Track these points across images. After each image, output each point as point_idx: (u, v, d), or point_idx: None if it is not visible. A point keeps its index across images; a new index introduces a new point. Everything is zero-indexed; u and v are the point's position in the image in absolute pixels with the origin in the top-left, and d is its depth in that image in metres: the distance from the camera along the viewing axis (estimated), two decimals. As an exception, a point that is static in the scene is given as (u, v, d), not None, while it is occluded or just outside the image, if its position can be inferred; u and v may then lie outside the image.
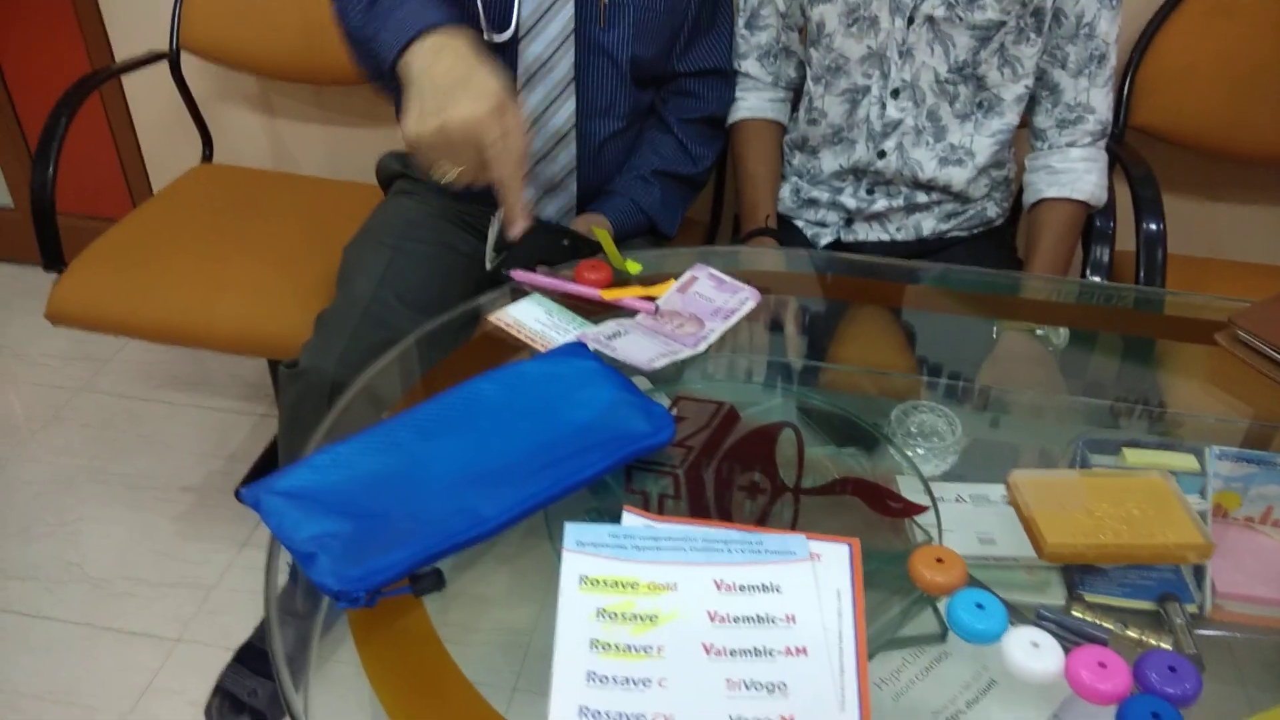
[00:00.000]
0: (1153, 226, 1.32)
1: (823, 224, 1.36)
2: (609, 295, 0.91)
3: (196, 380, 2.02)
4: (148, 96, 1.98)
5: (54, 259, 1.52)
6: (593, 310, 0.92)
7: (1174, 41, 1.50)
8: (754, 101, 1.35)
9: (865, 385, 0.97)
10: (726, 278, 0.94)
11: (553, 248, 1.21)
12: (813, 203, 1.36)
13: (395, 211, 1.40)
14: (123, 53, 1.96)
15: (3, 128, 2.16)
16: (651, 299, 0.91)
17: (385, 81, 1.08)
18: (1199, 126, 1.52)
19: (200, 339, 1.43)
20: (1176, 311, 1.10)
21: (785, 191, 1.39)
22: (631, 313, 0.91)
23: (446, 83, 0.92)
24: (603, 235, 1.03)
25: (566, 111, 1.28)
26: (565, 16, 1.24)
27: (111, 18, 1.93)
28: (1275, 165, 1.58)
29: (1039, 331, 0.96)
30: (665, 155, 1.36)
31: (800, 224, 1.39)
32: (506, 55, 1.26)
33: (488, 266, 1.22)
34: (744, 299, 0.92)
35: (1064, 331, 0.95)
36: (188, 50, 1.75)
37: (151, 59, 1.74)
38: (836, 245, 1.36)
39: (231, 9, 1.71)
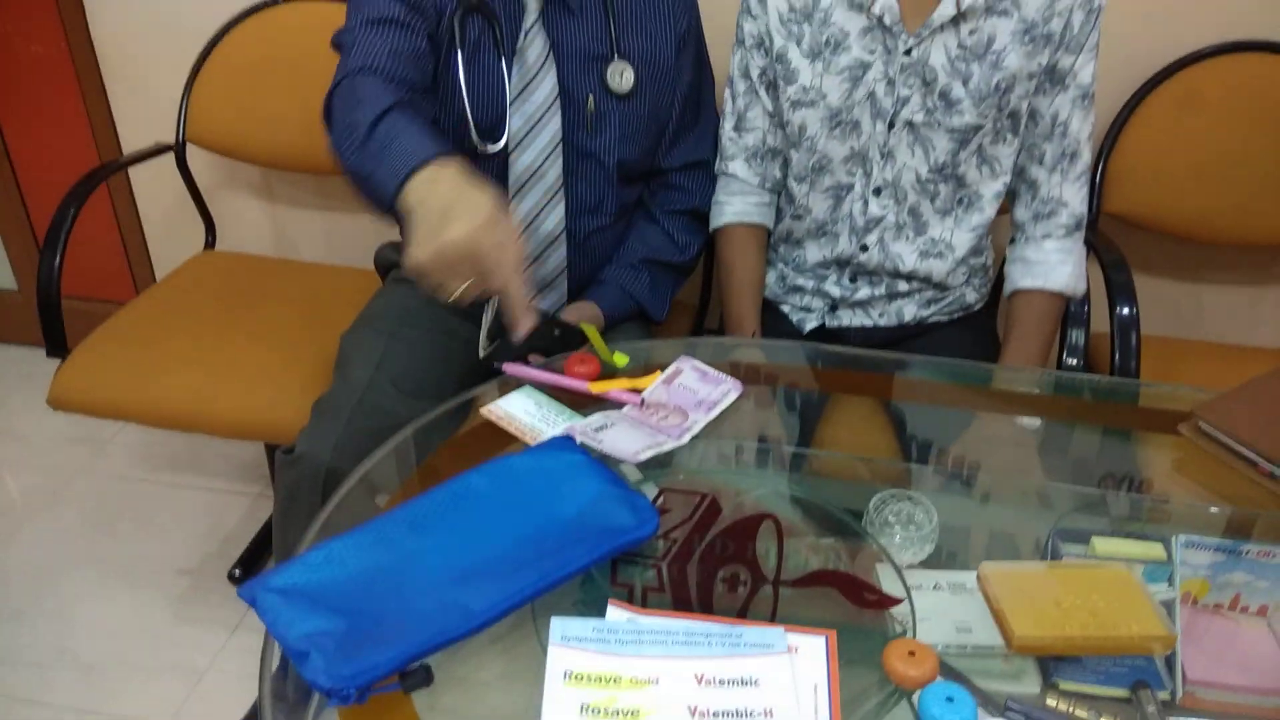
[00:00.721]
0: (1125, 311, 1.36)
1: (808, 309, 1.40)
2: (597, 388, 0.94)
3: (193, 461, 2.04)
4: (153, 184, 2.04)
5: (57, 345, 1.55)
6: (581, 402, 0.95)
7: (1142, 133, 1.56)
8: (740, 205, 1.37)
9: (846, 471, 1.00)
10: (710, 370, 0.98)
11: (544, 337, 1.25)
12: (798, 289, 1.40)
13: (392, 299, 1.44)
14: (130, 142, 2.03)
15: (10, 213, 2.22)
16: (637, 391, 0.95)
17: (386, 214, 1.12)
18: (1169, 213, 1.57)
19: (199, 425, 1.46)
20: (1147, 402, 1.13)
21: (771, 278, 1.43)
22: (619, 405, 0.94)
23: (439, 208, 0.96)
24: (591, 330, 1.07)
25: (556, 215, 1.33)
26: (553, 127, 1.30)
27: (120, 110, 2.00)
28: (1245, 249, 1.63)
29: (1017, 421, 0.99)
30: (653, 244, 1.41)
31: (786, 309, 1.43)
32: (497, 166, 1.32)
33: (480, 355, 1.26)
34: (727, 390, 0.95)
35: (1038, 422, 0.99)
36: (194, 143, 1.81)
37: (158, 151, 1.80)
38: (821, 330, 1.40)
39: (236, 103, 1.78)
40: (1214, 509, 0.90)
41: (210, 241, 1.89)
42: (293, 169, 1.85)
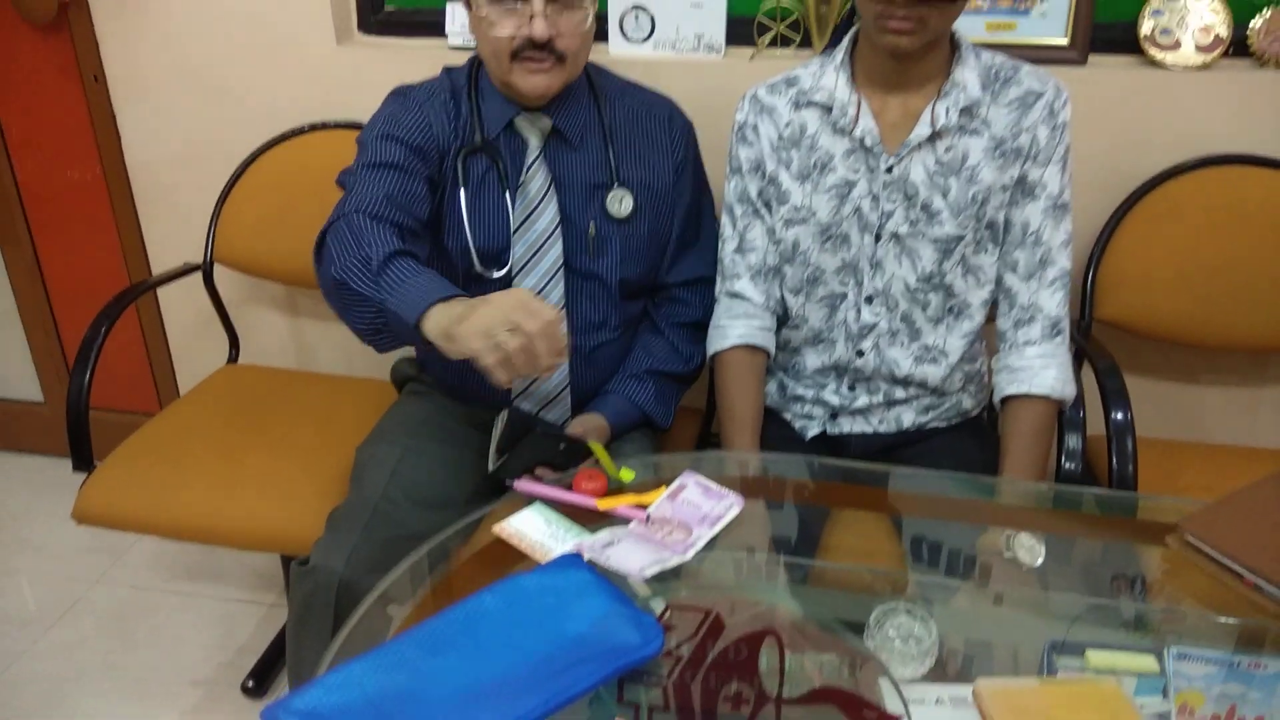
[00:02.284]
0: (1119, 416, 1.39)
1: (809, 417, 1.44)
2: (604, 505, 0.98)
3: (209, 570, 2.06)
4: (180, 300, 2.12)
5: (84, 460, 1.60)
6: (589, 518, 0.99)
7: (1129, 242, 1.62)
8: (744, 329, 1.38)
9: (849, 582, 1.02)
10: (714, 485, 1.01)
11: (551, 452, 1.29)
12: (798, 399, 1.44)
13: (407, 412, 1.49)
14: (159, 260, 2.12)
15: (40, 328, 2.31)
16: (643, 507, 0.98)
17: (376, 336, 1.21)
18: (1158, 319, 1.62)
19: (217, 537, 1.49)
20: (1143, 514, 1.16)
21: (771, 387, 1.48)
22: (625, 521, 0.98)
23: (470, 306, 1.06)
24: (598, 448, 1.11)
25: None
26: (556, 252, 1.37)
27: (150, 231, 2.10)
28: (1235, 353, 1.67)
29: (1006, 555, 1.02)
30: (658, 356, 1.46)
31: (788, 416, 1.47)
32: (501, 289, 1.38)
33: (490, 468, 1.30)
34: (729, 505, 0.99)
35: (1039, 548, 1.01)
36: (221, 263, 1.90)
37: (186, 271, 1.89)
38: (823, 437, 1.43)
39: (262, 225, 1.87)
40: (1208, 620, 0.91)
41: (234, 355, 1.96)
42: (315, 285, 1.92)
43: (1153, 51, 1.61)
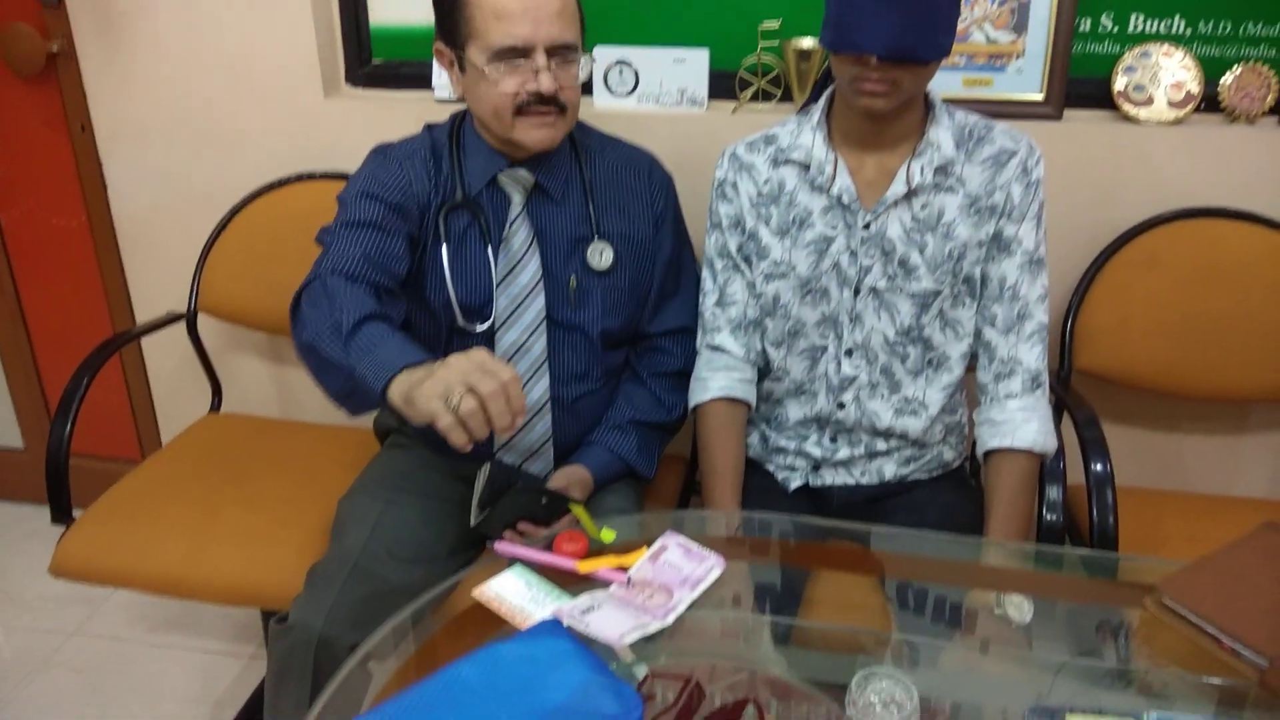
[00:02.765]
0: (1099, 468, 1.40)
1: (791, 468, 1.45)
2: (585, 568, 0.98)
3: (187, 622, 2.04)
4: (162, 348, 2.12)
5: (62, 513, 1.59)
6: (570, 581, 0.98)
7: (1107, 291, 1.64)
8: (724, 381, 1.38)
9: (831, 643, 1.02)
10: (695, 546, 1.01)
11: (534, 506, 1.29)
12: (780, 450, 1.45)
13: (388, 465, 1.49)
14: (143, 307, 2.12)
15: (22, 375, 2.29)
16: (624, 569, 0.98)
17: (348, 399, 1.23)
18: (1138, 369, 1.64)
19: (196, 592, 1.48)
20: (1125, 574, 1.16)
21: (753, 439, 1.48)
22: (606, 583, 0.97)
23: (430, 370, 1.06)
24: (579, 509, 1.11)
25: (541, 387, 1.40)
26: (538, 306, 1.38)
27: (134, 278, 2.10)
28: (1214, 402, 1.69)
29: (997, 612, 1.02)
30: (640, 406, 1.46)
31: (770, 468, 1.47)
32: (484, 342, 1.39)
33: (472, 523, 1.29)
34: (710, 567, 0.99)
35: (1027, 606, 1.01)
36: (205, 312, 1.90)
37: (170, 320, 1.89)
38: (805, 489, 1.43)
39: (247, 274, 1.87)
40: (1188, 681, 0.92)
41: (216, 404, 1.95)
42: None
43: (1126, 107, 1.64)
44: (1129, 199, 1.66)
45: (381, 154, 1.39)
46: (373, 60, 1.91)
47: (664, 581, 0.96)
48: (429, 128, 1.44)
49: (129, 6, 1.86)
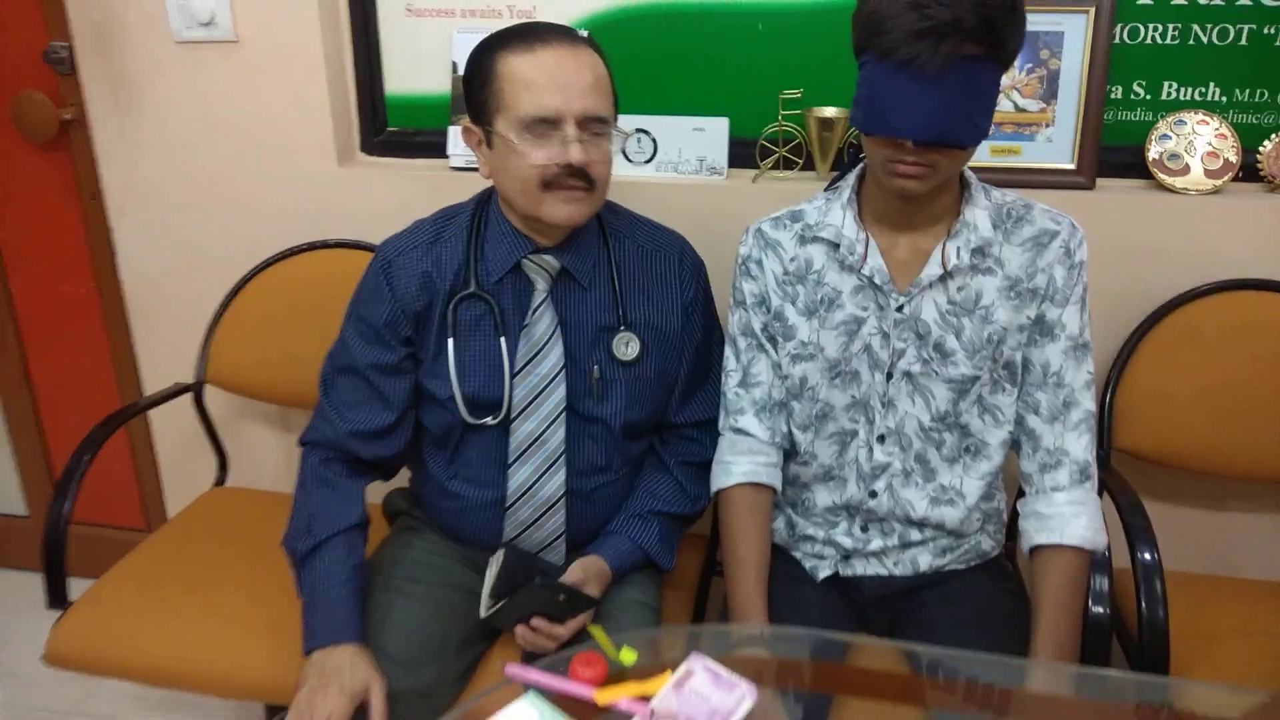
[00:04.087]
0: (1147, 557, 1.32)
1: (820, 557, 1.38)
2: (603, 698, 0.91)
3: (188, 703, 1.96)
4: (170, 418, 2.07)
5: (59, 598, 1.53)
6: (587, 712, 0.91)
7: (1147, 367, 1.58)
8: (748, 466, 1.32)
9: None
10: (724, 671, 0.94)
11: (549, 602, 1.22)
12: (808, 538, 1.38)
13: (397, 550, 1.43)
14: (150, 374, 2.08)
15: (27, 442, 2.25)
16: (646, 699, 0.91)
17: None
18: (1181, 448, 1.57)
19: (196, 685, 1.41)
20: (1188, 703, 1.07)
21: (779, 524, 1.41)
22: (627, 716, 0.90)
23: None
24: (597, 631, 1.04)
25: (556, 481, 1.33)
26: (558, 396, 1.32)
27: (142, 345, 2.06)
28: (1262, 482, 1.61)
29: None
30: (663, 496, 1.39)
31: (797, 555, 1.40)
32: (496, 434, 1.33)
33: (482, 615, 1.23)
34: (740, 697, 0.91)
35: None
36: (212, 383, 1.85)
37: (176, 392, 1.84)
38: (835, 578, 1.36)
39: (257, 344, 1.83)
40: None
41: (221, 477, 1.90)
42: (309, 405, 1.87)
43: (1162, 176, 1.59)
44: (1167, 270, 1.60)
45: (381, 265, 1.34)
46: (387, 128, 1.89)
47: (690, 714, 0.89)
48: (445, 214, 1.39)
49: (141, 74, 1.84)
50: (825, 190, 1.34)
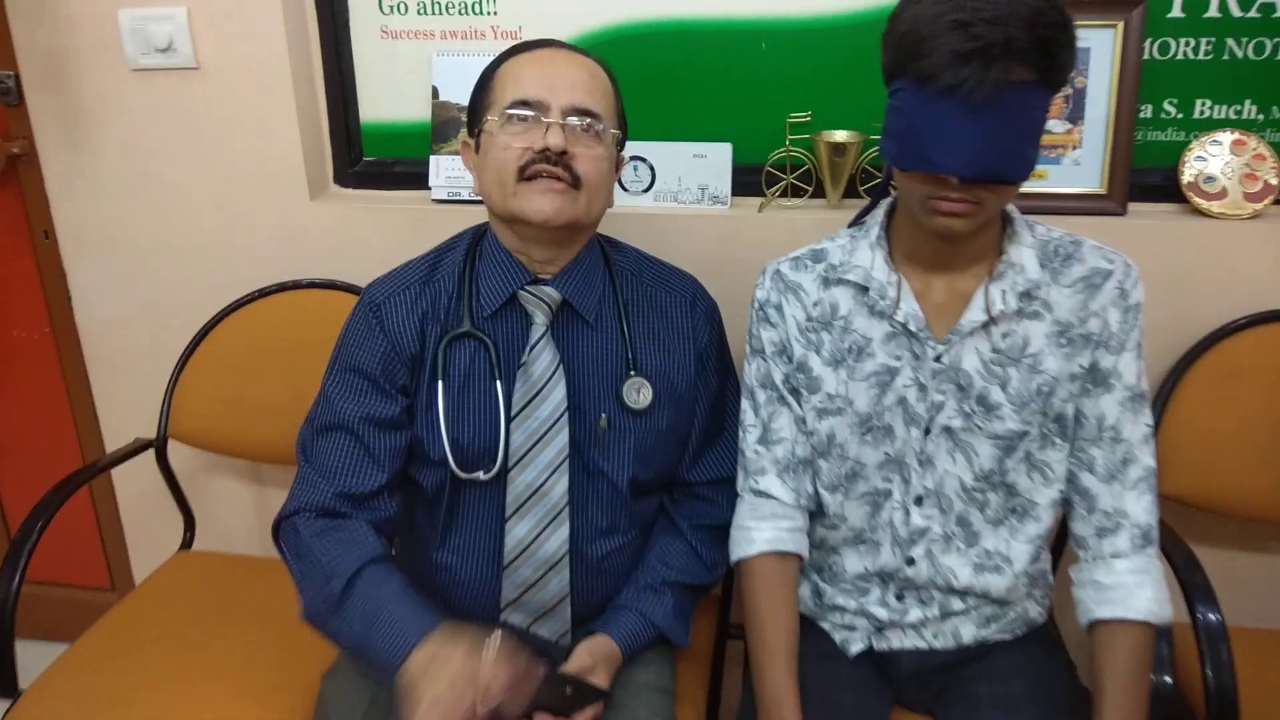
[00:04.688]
0: (1211, 618, 1.21)
1: (851, 628, 1.25)
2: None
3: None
4: (133, 474, 1.91)
5: (8, 686, 1.38)
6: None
7: (1188, 407, 1.47)
8: (772, 533, 1.19)
9: None
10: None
11: (554, 696, 1.09)
12: (838, 608, 1.25)
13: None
14: (111, 426, 1.93)
15: (-18, 502, 2.09)
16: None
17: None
18: (1229, 492, 1.46)
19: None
20: None
21: (804, 591, 1.29)
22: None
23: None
24: None
25: (559, 537, 1.20)
26: (560, 443, 1.19)
27: (102, 396, 1.91)
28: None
29: None
30: (677, 565, 1.26)
31: (826, 626, 1.28)
32: (492, 490, 1.20)
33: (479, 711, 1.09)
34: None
35: None
36: (176, 439, 1.71)
37: (138, 449, 1.69)
38: (869, 653, 1.24)
39: (224, 394, 1.69)
40: None
41: (188, 539, 1.75)
42: (283, 462, 1.73)
43: (1197, 200, 1.49)
44: (1205, 301, 1.49)
45: (370, 309, 1.21)
46: (363, 158, 1.75)
47: None
48: (440, 250, 1.27)
49: (95, 104, 1.70)
50: (849, 226, 1.22)
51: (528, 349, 1.20)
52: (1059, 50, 0.93)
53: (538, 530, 1.20)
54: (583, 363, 1.21)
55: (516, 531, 1.20)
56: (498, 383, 1.19)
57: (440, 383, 1.19)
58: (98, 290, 1.83)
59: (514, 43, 1.22)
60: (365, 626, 1.07)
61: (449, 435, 1.18)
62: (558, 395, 1.19)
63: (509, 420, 1.19)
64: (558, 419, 1.20)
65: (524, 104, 1.13)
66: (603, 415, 1.21)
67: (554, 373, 1.19)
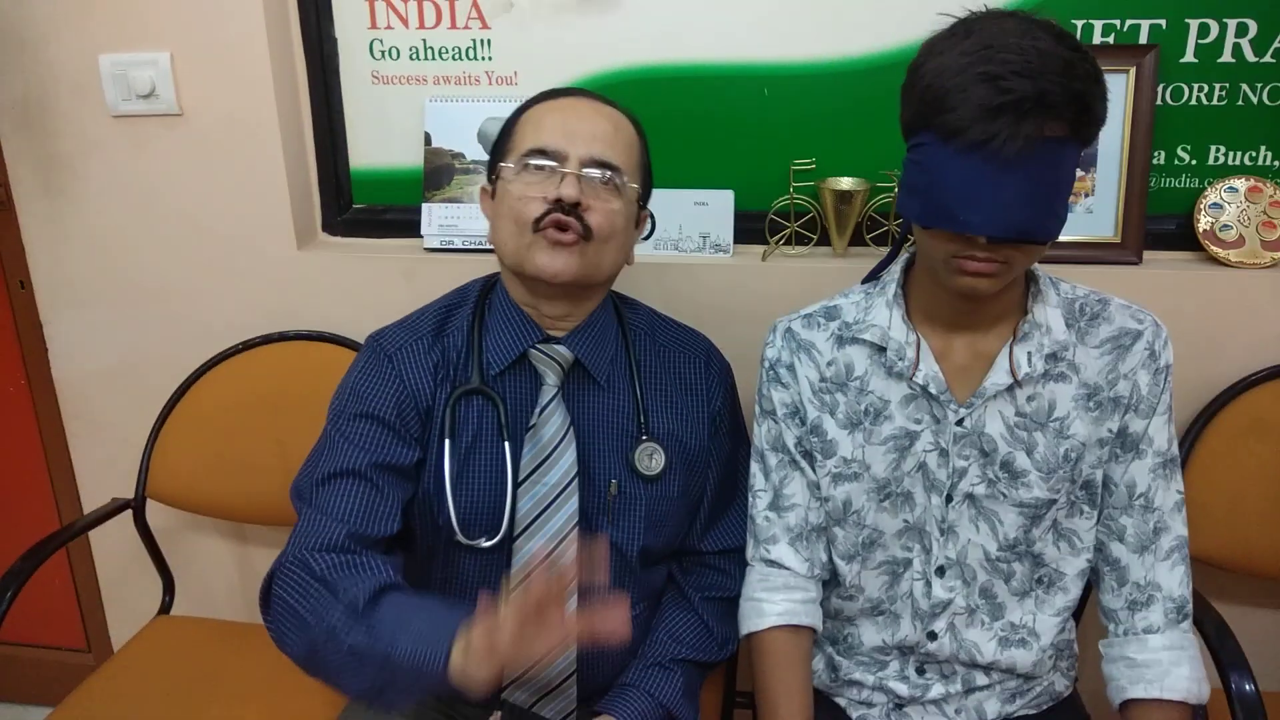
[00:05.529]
0: (1246, 688, 1.15)
1: (869, 704, 1.19)
2: None
3: None
4: (110, 535, 1.83)
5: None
6: None
7: (1211, 463, 1.42)
8: (784, 605, 1.14)
9: None
10: None
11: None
12: (854, 683, 1.19)
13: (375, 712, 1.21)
14: (90, 482, 1.85)
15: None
16: None
17: (378, 695, 0.96)
18: (1255, 550, 1.40)
19: None
20: None
21: (818, 664, 1.22)
22: None
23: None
24: None
25: (569, 608, 1.13)
26: (569, 510, 1.13)
27: (79, 452, 1.84)
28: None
29: None
30: (687, 641, 1.20)
31: (842, 702, 1.21)
32: (495, 556, 1.14)
33: None
34: None
35: None
36: (155, 499, 1.63)
37: (115, 510, 1.62)
38: (888, 730, 1.17)
39: (206, 452, 1.62)
40: None
41: (168, 602, 1.67)
42: (269, 522, 1.66)
43: (1214, 249, 1.45)
44: (1225, 353, 1.44)
45: (373, 352, 1.16)
46: (353, 205, 1.70)
47: None
48: (448, 301, 1.21)
49: (74, 152, 1.64)
50: (864, 282, 1.17)
51: (537, 410, 1.14)
52: (1093, 104, 0.88)
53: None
54: (594, 426, 1.15)
55: None
56: (506, 444, 1.13)
57: (448, 441, 1.12)
58: (76, 342, 1.76)
59: (540, 89, 1.18)
60: (387, 648, 0.93)
61: (454, 498, 1.12)
62: (568, 460, 1.13)
63: (516, 485, 1.12)
64: (567, 485, 1.13)
65: (541, 153, 1.08)
66: (613, 481, 1.15)
67: (564, 436, 1.13)
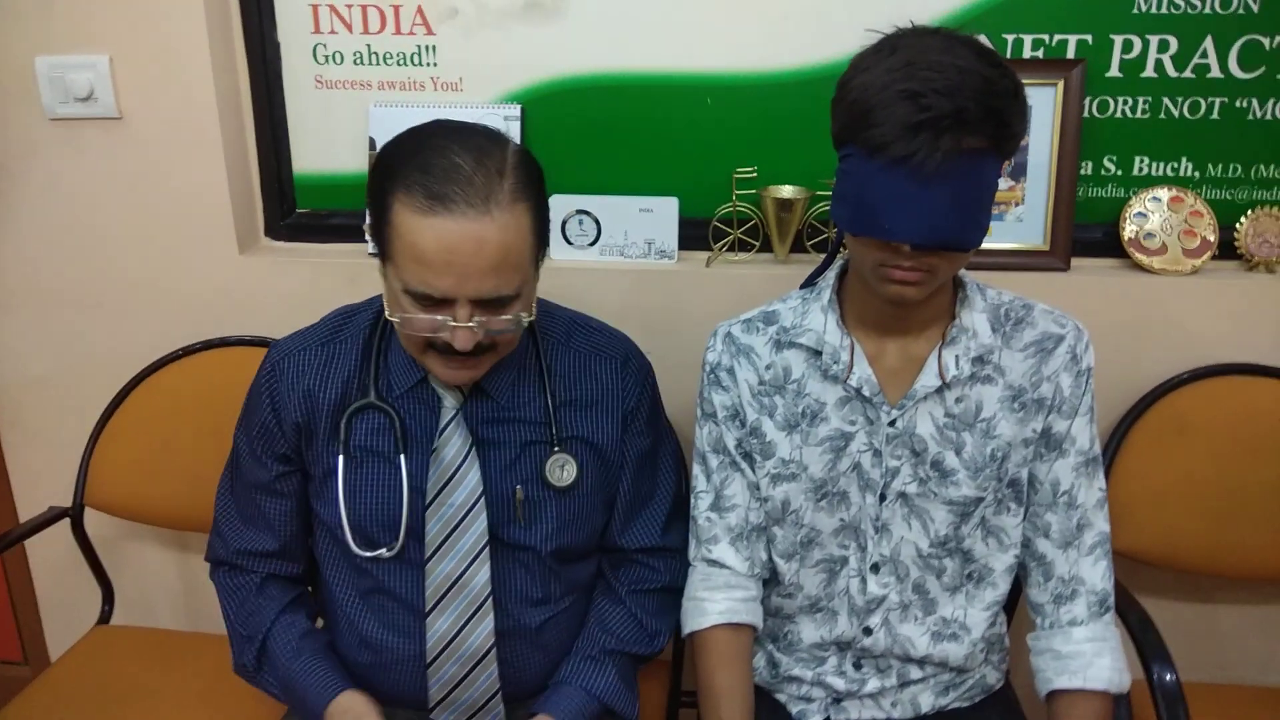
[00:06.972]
0: (1168, 678, 1.20)
1: (807, 699, 1.21)
2: None
3: None
4: (47, 543, 1.80)
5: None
6: None
7: (1136, 462, 1.47)
8: (725, 604, 1.15)
9: None
10: None
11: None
12: (794, 679, 1.21)
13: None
14: (26, 492, 1.81)
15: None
16: None
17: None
18: (1178, 546, 1.46)
19: None
20: None
21: (759, 662, 1.25)
22: None
23: None
24: None
25: (485, 629, 1.14)
26: (478, 527, 1.13)
27: (14, 461, 1.80)
28: (1274, 583, 1.51)
29: None
30: (617, 631, 1.21)
31: (782, 698, 1.24)
32: (410, 575, 1.15)
33: None
34: None
35: None
36: (94, 507, 1.61)
37: (52, 519, 1.59)
38: (826, 724, 1.20)
39: (145, 459, 1.60)
40: None
41: (106, 612, 1.64)
42: (209, 530, 1.63)
43: (1139, 256, 1.50)
44: (1149, 356, 1.50)
45: (268, 369, 1.18)
46: (296, 210, 1.69)
47: None
48: (345, 311, 1.21)
49: (10, 155, 1.61)
50: (801, 287, 1.20)
51: (438, 431, 1.14)
52: (1011, 119, 0.92)
53: (460, 624, 1.14)
54: (497, 442, 1.15)
55: (438, 627, 1.14)
56: (401, 456, 1.13)
57: (341, 457, 1.14)
58: (11, 348, 1.73)
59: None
60: (284, 694, 1.15)
61: (347, 510, 1.13)
62: (472, 479, 1.13)
63: (425, 508, 1.13)
64: (473, 504, 1.13)
65: (427, 298, 0.99)
66: (519, 488, 1.15)
67: (465, 456, 1.13)
